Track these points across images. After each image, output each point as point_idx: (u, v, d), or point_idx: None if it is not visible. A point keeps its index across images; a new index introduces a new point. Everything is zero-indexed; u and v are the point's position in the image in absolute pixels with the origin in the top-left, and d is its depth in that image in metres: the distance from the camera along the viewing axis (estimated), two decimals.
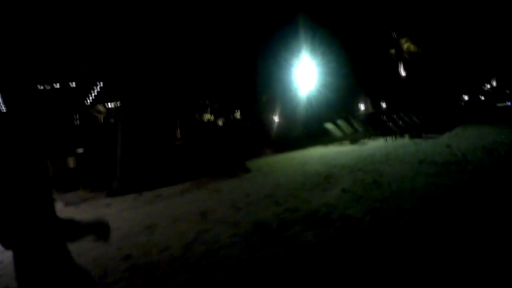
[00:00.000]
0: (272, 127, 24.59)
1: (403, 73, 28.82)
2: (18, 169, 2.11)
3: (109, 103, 32.47)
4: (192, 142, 28.65)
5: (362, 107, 35.02)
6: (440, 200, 6.67)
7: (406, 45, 27.52)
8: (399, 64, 28.75)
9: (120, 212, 9.84)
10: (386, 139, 18.51)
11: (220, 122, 35.74)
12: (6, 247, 2.03)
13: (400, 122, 19.15)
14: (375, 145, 17.36)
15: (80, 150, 18.63)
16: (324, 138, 21.29)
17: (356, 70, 29.21)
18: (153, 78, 15.42)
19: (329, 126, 21.01)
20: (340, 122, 22.13)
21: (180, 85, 27.90)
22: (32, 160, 2.16)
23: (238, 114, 38.60)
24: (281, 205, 8.08)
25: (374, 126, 21.24)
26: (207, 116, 36.14)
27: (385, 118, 20.13)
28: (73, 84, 30.36)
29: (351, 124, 22.23)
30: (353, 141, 20.19)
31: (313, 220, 6.57)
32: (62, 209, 12.13)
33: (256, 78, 23.66)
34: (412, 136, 17.88)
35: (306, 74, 23.69)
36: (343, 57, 27.06)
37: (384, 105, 35.37)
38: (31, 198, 2.07)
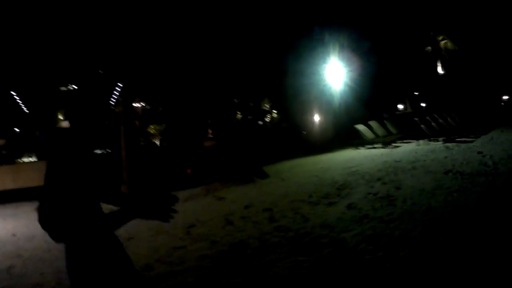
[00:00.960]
0: (306, 129, 23.79)
1: (441, 71, 27.14)
2: (77, 160, 2.04)
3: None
4: (222, 143, 28.33)
5: (401, 107, 33.54)
6: (454, 226, 5.73)
7: (443, 42, 25.85)
8: (437, 63, 27.09)
9: None
10: (419, 143, 17.31)
11: (260, 122, 35.19)
12: (57, 240, 1.93)
13: (434, 124, 17.86)
14: (405, 149, 16.22)
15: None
16: (356, 140, 20.28)
17: (392, 70, 27.87)
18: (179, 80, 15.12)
19: (360, 128, 19.95)
20: (372, 123, 21.01)
21: (211, 83, 27.57)
22: (86, 151, 2.13)
23: (275, 115, 37.99)
24: (275, 221, 7.43)
25: (410, 128, 20.00)
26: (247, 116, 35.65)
27: (418, 120, 18.87)
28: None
29: (384, 126, 21.07)
30: (385, 144, 19.08)
31: (300, 244, 5.84)
32: None
33: (289, 78, 22.90)
34: (445, 140, 16.61)
35: (338, 75, 22.71)
36: (377, 56, 25.85)
37: (424, 105, 33.72)
38: (84, 190, 2.02)
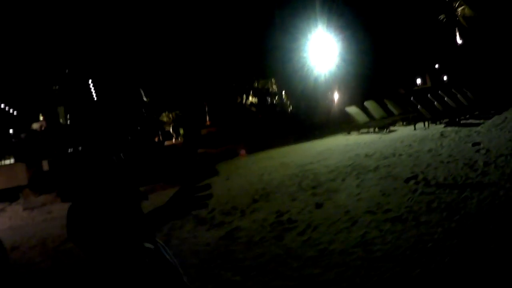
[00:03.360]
0: (296, 113, 20.35)
1: (459, 41, 22.58)
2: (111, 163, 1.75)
3: None
4: (219, 130, 25.36)
5: (419, 81, 29.14)
6: None
7: (460, 9, 21.26)
8: (455, 32, 22.53)
9: None
10: (415, 127, 13.53)
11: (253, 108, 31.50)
12: (87, 253, 1.61)
13: (446, 100, 13.92)
14: (395, 137, 12.56)
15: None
16: (347, 124, 16.66)
17: (402, 41, 23.64)
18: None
19: (351, 110, 16.24)
20: (369, 104, 17.21)
21: (206, 67, 24.58)
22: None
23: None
24: None
25: (417, 106, 16.03)
26: (251, 100, 32.18)
27: (430, 96, 14.97)
28: None
29: (383, 106, 17.23)
30: (380, 128, 15.39)
31: None
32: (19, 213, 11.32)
33: (273, 54, 19.47)
34: (448, 123, 12.77)
35: (328, 49, 18.98)
36: (382, 28, 21.80)
37: (446, 78, 29.08)
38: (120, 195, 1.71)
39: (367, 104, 17.20)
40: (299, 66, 19.82)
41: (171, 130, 34.29)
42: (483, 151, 7.63)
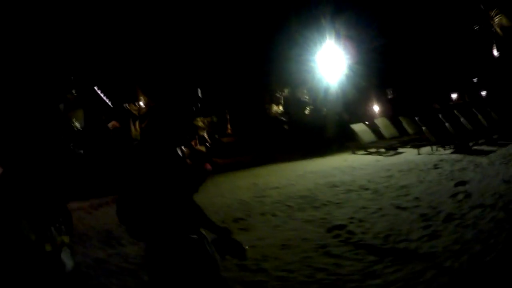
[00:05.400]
0: (307, 127, 18.63)
1: (496, 54, 19.72)
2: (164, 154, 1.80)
3: None
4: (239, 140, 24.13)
5: (454, 96, 26.32)
6: None
7: (497, 18, 18.46)
8: (492, 43, 19.71)
9: None
10: (419, 152, 11.39)
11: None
12: (135, 237, 1.77)
13: (448, 125, 11.69)
14: (394, 161, 10.60)
15: None
16: (353, 142, 14.71)
17: (433, 54, 21.24)
18: None
19: (357, 128, 14.22)
20: (380, 121, 15.15)
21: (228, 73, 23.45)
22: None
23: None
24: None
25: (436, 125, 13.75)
26: (274, 108, 30.44)
27: (419, 120, 12.89)
28: None
29: (397, 124, 15.13)
30: (387, 149, 13.31)
31: None
32: None
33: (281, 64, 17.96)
34: (455, 149, 10.56)
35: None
36: (410, 38, 19.67)
37: (484, 93, 26.00)
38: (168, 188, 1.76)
39: (377, 121, 15.18)
40: (309, 77, 18.17)
41: (205, 135, 33.45)
42: (460, 196, 5.70)
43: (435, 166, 8.49)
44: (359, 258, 3.74)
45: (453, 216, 4.83)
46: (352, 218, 5.18)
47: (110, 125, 22.94)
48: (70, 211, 1.60)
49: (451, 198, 5.70)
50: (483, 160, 8.49)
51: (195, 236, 1.80)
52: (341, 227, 4.77)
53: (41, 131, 1.27)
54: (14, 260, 1.33)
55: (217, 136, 29.44)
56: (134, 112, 24.22)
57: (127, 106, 23.50)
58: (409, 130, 14.76)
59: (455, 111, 12.60)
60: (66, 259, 1.64)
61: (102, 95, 21.08)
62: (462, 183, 6.46)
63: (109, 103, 30.45)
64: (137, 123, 24.18)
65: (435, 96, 24.71)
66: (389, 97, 24.62)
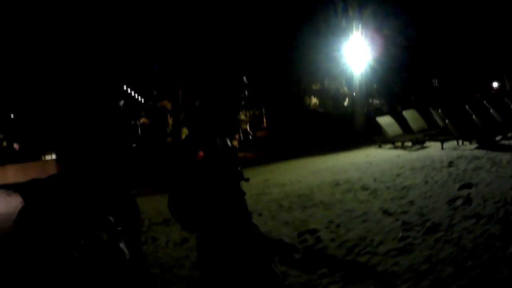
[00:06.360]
0: (339, 119, 18.07)
1: None
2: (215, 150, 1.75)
3: None
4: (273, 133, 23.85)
5: (495, 85, 24.50)
6: None
7: None
8: None
9: None
10: (443, 146, 10.64)
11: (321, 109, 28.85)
12: (188, 229, 1.75)
13: (475, 118, 10.79)
14: (415, 156, 9.99)
15: None
16: (379, 136, 14.04)
17: (472, 42, 19.84)
18: None
19: (382, 121, 13.49)
20: (409, 114, 14.31)
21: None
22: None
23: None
24: None
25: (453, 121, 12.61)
26: (313, 101, 29.77)
27: (441, 112, 12.01)
28: None
29: (427, 117, 14.26)
30: (413, 143, 12.55)
31: None
32: None
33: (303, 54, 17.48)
34: (480, 144, 9.74)
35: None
36: (450, 25, 18.50)
37: None
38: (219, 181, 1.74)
39: (406, 113, 14.38)
40: (345, 69, 17.55)
41: (248, 128, 33.43)
42: (459, 202, 5.18)
43: (450, 164, 7.86)
44: (311, 269, 3.48)
45: (438, 227, 4.38)
46: (331, 222, 4.88)
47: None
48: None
49: (448, 204, 5.21)
50: (505, 157, 7.73)
51: (251, 228, 1.79)
52: (313, 231, 4.49)
53: (103, 127, 1.26)
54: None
55: (249, 130, 29.38)
56: (169, 108, 24.60)
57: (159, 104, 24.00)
58: (440, 122, 13.85)
59: (484, 102, 11.61)
60: (124, 247, 1.54)
61: (132, 93, 21.67)
62: (468, 185, 5.90)
63: (141, 101, 31.16)
64: (170, 119, 24.56)
65: (476, 85, 23.15)
66: (429, 87, 23.35)
